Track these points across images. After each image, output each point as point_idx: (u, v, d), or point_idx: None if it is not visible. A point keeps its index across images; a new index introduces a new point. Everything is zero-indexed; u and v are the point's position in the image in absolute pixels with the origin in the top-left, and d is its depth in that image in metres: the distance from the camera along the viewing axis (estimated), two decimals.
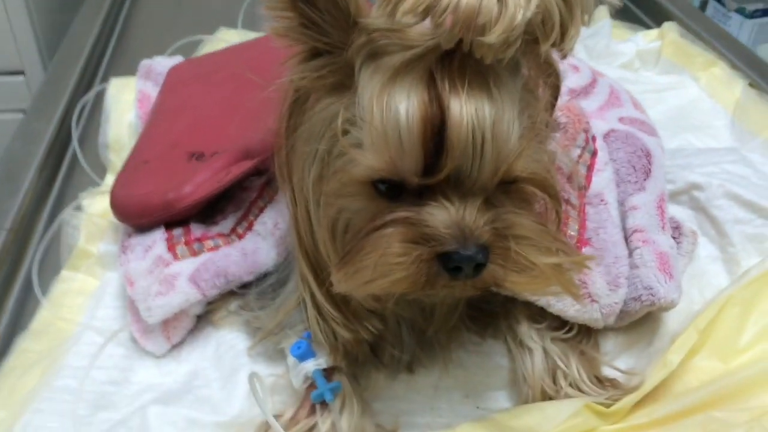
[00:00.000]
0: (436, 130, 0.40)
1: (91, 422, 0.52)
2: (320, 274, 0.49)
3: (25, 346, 0.58)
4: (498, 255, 0.42)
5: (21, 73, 1.21)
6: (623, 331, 0.57)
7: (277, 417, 0.49)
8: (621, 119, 0.66)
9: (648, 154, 0.61)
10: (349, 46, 0.42)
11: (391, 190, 0.43)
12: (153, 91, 0.78)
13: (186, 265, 0.57)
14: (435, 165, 0.41)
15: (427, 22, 0.41)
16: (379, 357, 0.54)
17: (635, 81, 0.91)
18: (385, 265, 0.42)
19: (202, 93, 0.71)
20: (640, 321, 0.57)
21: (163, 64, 0.83)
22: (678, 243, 0.60)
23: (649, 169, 0.60)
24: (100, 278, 0.65)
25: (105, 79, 0.88)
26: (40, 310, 0.61)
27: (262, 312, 0.55)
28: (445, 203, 0.42)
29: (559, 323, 0.55)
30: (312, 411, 0.50)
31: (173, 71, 0.79)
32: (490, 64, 0.41)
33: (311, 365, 0.50)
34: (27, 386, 0.55)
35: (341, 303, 0.51)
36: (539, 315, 0.55)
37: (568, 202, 0.56)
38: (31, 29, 1.15)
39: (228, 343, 0.57)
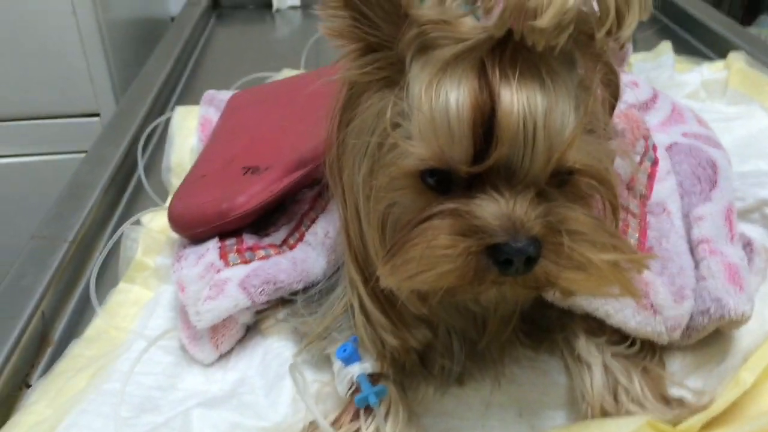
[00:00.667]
0: (486, 118, 0.39)
1: (134, 424, 0.52)
2: (369, 278, 0.48)
3: (78, 351, 0.59)
4: (550, 250, 0.40)
5: (96, 115, 1.26)
6: (691, 350, 0.53)
7: (314, 421, 0.47)
8: (684, 134, 0.64)
9: (713, 165, 0.58)
10: (400, 39, 0.43)
11: (440, 184, 0.42)
12: (215, 117, 0.80)
13: (236, 272, 0.57)
14: (485, 155, 0.40)
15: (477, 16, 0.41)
16: (428, 368, 0.52)
17: (701, 110, 0.87)
18: (432, 257, 0.41)
19: (260, 115, 0.73)
20: (709, 340, 0.53)
21: (225, 93, 0.86)
22: (749, 260, 0.57)
23: (715, 180, 0.57)
24: (154, 290, 0.65)
25: (172, 109, 0.91)
26: (95, 318, 0.62)
27: (310, 318, 0.54)
28: (496, 195, 0.41)
29: (620, 338, 0.52)
30: (356, 416, 0.48)
31: (234, 97, 0.81)
32: (543, 55, 0.40)
33: (357, 369, 0.49)
34: (75, 388, 0.55)
35: (389, 309, 0.49)
36: (598, 329, 0.52)
37: (627, 209, 0.54)
38: (108, 72, 1.21)
39: (275, 351, 0.56)
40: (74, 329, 0.63)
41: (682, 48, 1.12)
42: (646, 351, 0.52)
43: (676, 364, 0.53)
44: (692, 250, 0.54)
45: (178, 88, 1.09)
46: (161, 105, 1.01)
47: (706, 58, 1.07)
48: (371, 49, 0.44)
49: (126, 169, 0.84)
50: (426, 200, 0.43)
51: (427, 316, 0.50)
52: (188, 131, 0.82)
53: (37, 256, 0.66)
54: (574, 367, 0.52)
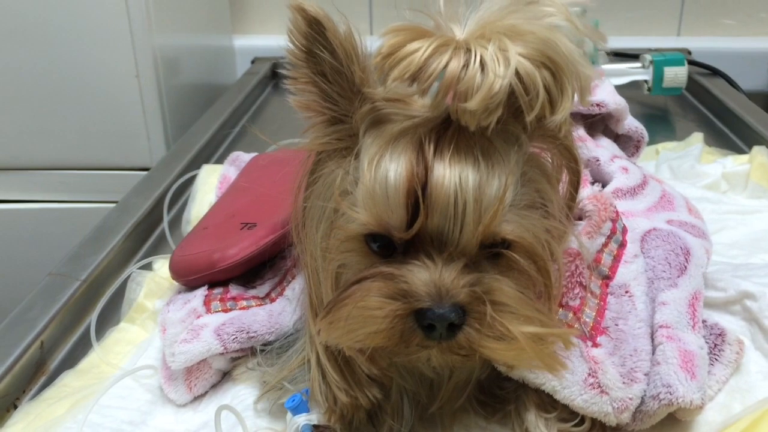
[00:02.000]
0: (420, 190, 0.42)
1: None
2: None
3: (66, 381, 0.63)
4: (474, 318, 0.42)
5: (148, 169, 1.35)
6: None
7: None
8: (670, 221, 0.64)
9: (687, 253, 0.58)
10: (355, 114, 0.46)
11: (382, 248, 0.45)
12: (234, 175, 0.85)
13: (215, 319, 0.61)
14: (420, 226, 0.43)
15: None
16: (376, 427, 0.54)
17: (717, 201, 0.88)
18: (361, 317, 0.43)
19: (269, 175, 0.77)
20: (664, 428, 0.52)
21: (250, 155, 0.91)
22: (720, 351, 0.56)
23: (685, 267, 0.57)
24: (150, 331, 0.69)
25: None
26: (91, 353, 0.66)
27: (270, 369, 0.57)
28: (427, 262, 0.43)
29: (571, 415, 0.52)
30: None
31: (255, 158, 0.87)
32: (484, 134, 0.43)
33: (303, 419, 0.51)
34: (53, 414, 0.59)
35: (344, 367, 0.51)
36: (550, 404, 0.52)
37: (587, 288, 0.54)
38: (162, 129, 1.29)
39: (240, 397, 0.59)
40: (70, 362, 0.67)
41: (719, 141, 1.12)
42: (596, 431, 0.52)
43: None
44: (653, 335, 0.54)
45: (221, 149, 1.16)
46: (199, 163, 1.08)
47: (740, 151, 1.06)
48: (334, 122, 0.48)
49: (153, 219, 0.90)
50: (369, 263, 0.46)
51: (379, 376, 0.51)
52: (210, 187, 0.88)
53: (48, 291, 0.71)
54: None
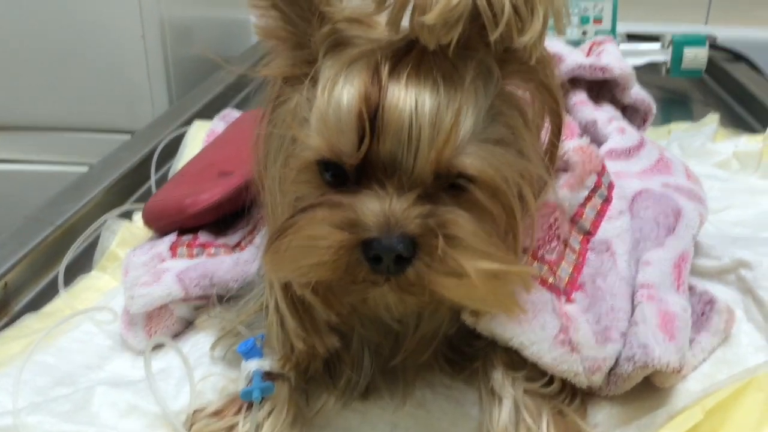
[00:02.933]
0: (372, 113, 0.39)
1: (45, 393, 0.53)
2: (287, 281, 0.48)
3: (27, 323, 0.61)
4: (425, 252, 0.39)
5: None
6: (620, 402, 0.49)
7: (201, 409, 0.47)
8: (665, 185, 0.60)
9: (677, 214, 0.54)
10: (314, 36, 0.43)
11: (335, 179, 0.42)
12: (221, 129, 0.83)
13: (179, 264, 0.58)
14: (372, 151, 0.40)
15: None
16: (333, 378, 0.51)
17: (726, 179, 0.83)
18: (305, 248, 0.40)
19: (252, 128, 0.75)
20: (642, 394, 0.49)
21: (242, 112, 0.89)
22: (707, 318, 0.52)
23: (674, 228, 0.53)
24: (120, 280, 0.67)
25: None
26: (56, 298, 0.65)
27: (229, 314, 0.54)
28: (378, 191, 0.40)
29: (539, 375, 0.48)
30: (240, 410, 0.47)
31: (244, 114, 0.84)
32: (447, 57, 0.40)
33: (254, 364, 0.48)
34: (7, 352, 0.57)
35: (303, 313, 0.49)
36: (519, 363, 0.49)
37: (567, 243, 0.51)
38: (167, 94, 1.27)
39: (199, 344, 0.57)
40: (36, 306, 0.65)
41: (736, 123, 1.07)
42: (567, 394, 0.48)
43: (601, 415, 0.49)
44: (634, 296, 0.50)
45: (221, 112, 1.14)
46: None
47: (756, 132, 1.01)
48: (295, 47, 0.45)
49: (141, 174, 0.88)
50: (323, 193, 0.43)
51: (339, 324, 0.48)
52: (198, 142, 0.85)
53: (20, 233, 0.70)
54: (486, 399, 0.49)
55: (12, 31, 1.20)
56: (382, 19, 0.42)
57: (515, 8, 0.38)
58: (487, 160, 0.41)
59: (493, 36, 0.38)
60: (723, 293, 0.57)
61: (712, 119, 1.02)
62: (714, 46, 1.29)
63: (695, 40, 1.20)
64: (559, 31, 0.41)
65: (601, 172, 0.54)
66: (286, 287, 0.48)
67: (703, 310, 0.53)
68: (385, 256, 0.38)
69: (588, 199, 0.53)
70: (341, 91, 0.40)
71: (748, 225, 0.74)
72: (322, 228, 0.40)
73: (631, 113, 0.85)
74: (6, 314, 0.64)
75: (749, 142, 0.91)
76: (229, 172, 0.66)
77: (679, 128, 1.03)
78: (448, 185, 0.41)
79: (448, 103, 0.39)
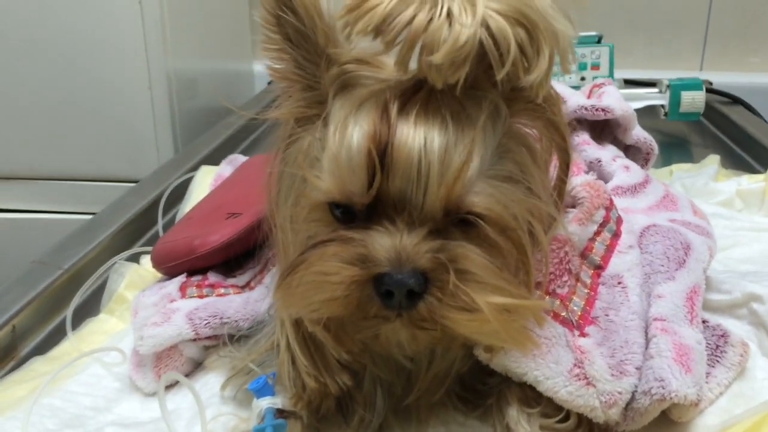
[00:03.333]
0: (382, 151, 0.40)
1: None
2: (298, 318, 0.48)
3: (34, 366, 0.61)
4: (437, 287, 0.39)
5: None
6: None
7: None
8: (672, 220, 0.60)
9: (687, 247, 0.54)
10: (323, 78, 0.44)
11: (345, 215, 0.43)
12: (228, 173, 0.84)
13: (188, 303, 0.58)
14: (382, 188, 0.40)
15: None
16: (346, 417, 0.50)
17: (730, 217, 0.84)
18: (317, 283, 0.41)
19: (262, 171, 0.75)
20: (659, 429, 0.48)
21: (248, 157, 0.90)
22: (722, 352, 0.52)
23: (684, 260, 0.53)
24: (128, 322, 0.67)
25: None
26: (64, 341, 0.64)
27: (240, 353, 0.54)
28: (389, 227, 0.41)
29: (555, 411, 0.48)
30: None
31: (251, 158, 0.85)
32: (454, 96, 0.41)
33: (266, 402, 0.47)
34: (14, 395, 0.56)
35: (314, 351, 0.48)
36: (534, 399, 0.48)
37: (578, 277, 0.51)
38: (173, 144, 1.29)
39: (209, 384, 0.56)
40: (43, 349, 0.65)
41: (736, 164, 1.08)
42: (583, 430, 0.48)
43: None
44: (647, 329, 0.50)
45: (229, 157, 1.15)
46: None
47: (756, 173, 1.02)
48: (305, 89, 0.46)
49: (148, 219, 0.88)
50: (334, 230, 0.43)
51: (351, 362, 0.48)
52: (205, 187, 0.86)
53: (27, 277, 0.70)
54: None
55: (23, 83, 1.22)
56: (390, 59, 0.43)
57: (521, 48, 0.38)
58: (496, 197, 0.41)
59: (500, 75, 0.39)
60: (735, 327, 0.57)
61: (713, 160, 1.03)
62: (710, 90, 1.31)
63: (692, 85, 1.22)
64: (565, 70, 0.42)
65: (609, 206, 0.54)
66: (297, 325, 0.48)
67: (717, 344, 0.52)
68: (397, 291, 0.39)
69: (597, 233, 0.53)
70: (352, 132, 0.41)
71: (756, 262, 0.74)
72: (334, 264, 0.40)
73: (634, 153, 0.87)
74: (13, 358, 0.63)
75: (752, 181, 0.92)
76: (237, 214, 0.66)
77: (680, 169, 1.04)
78: (458, 220, 0.41)
79: (456, 141, 0.40)
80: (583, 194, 0.53)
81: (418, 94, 0.41)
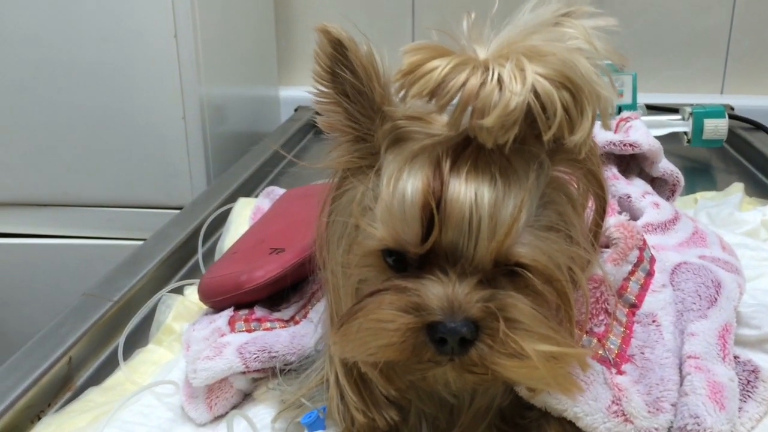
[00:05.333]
0: (435, 206, 0.42)
1: None
2: None
3: (91, 397, 0.64)
4: (487, 334, 0.42)
5: None
6: None
7: None
8: (702, 257, 0.63)
9: (718, 285, 0.57)
10: (376, 132, 0.47)
11: (397, 263, 0.45)
12: (267, 206, 0.87)
13: (238, 338, 0.61)
14: (435, 241, 0.43)
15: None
16: None
17: (756, 248, 0.85)
18: (374, 330, 0.43)
19: (302, 204, 0.79)
20: None
21: (285, 189, 0.93)
22: (753, 387, 0.54)
23: (716, 299, 0.55)
24: (176, 353, 0.70)
25: None
26: (117, 371, 0.67)
27: (290, 387, 0.57)
28: (441, 277, 0.43)
29: None
30: None
31: (288, 191, 0.88)
32: (502, 153, 0.43)
33: None
34: (74, 426, 0.59)
35: (363, 387, 0.51)
36: None
37: (612, 315, 0.53)
38: (205, 171, 1.32)
39: (260, 416, 0.58)
40: (96, 379, 0.68)
41: (761, 192, 1.10)
42: None
43: None
44: (681, 367, 0.52)
45: (260, 187, 1.18)
46: (237, 198, 1.09)
47: None
48: (357, 141, 0.49)
49: (188, 249, 0.92)
50: (387, 277, 0.46)
51: (397, 398, 0.51)
52: (244, 219, 0.89)
53: (80, 309, 0.73)
54: None
55: (68, 118, 1.27)
56: (440, 115, 0.46)
57: (566, 110, 0.40)
58: (541, 248, 0.44)
59: (547, 136, 0.41)
60: (765, 362, 0.59)
61: (737, 188, 1.05)
62: (732, 116, 1.33)
63: (715, 112, 1.24)
64: (606, 126, 0.44)
65: (643, 246, 0.56)
66: (346, 362, 0.50)
67: (748, 378, 0.54)
68: (450, 339, 0.41)
69: (631, 273, 0.55)
70: (405, 184, 0.43)
71: None
72: (390, 312, 0.42)
73: (660, 185, 0.89)
74: (69, 388, 0.66)
75: None
76: (280, 249, 0.69)
77: (705, 197, 1.05)
78: (507, 270, 0.44)
79: (504, 197, 0.42)
80: (617, 235, 0.56)
81: (467, 150, 0.43)
